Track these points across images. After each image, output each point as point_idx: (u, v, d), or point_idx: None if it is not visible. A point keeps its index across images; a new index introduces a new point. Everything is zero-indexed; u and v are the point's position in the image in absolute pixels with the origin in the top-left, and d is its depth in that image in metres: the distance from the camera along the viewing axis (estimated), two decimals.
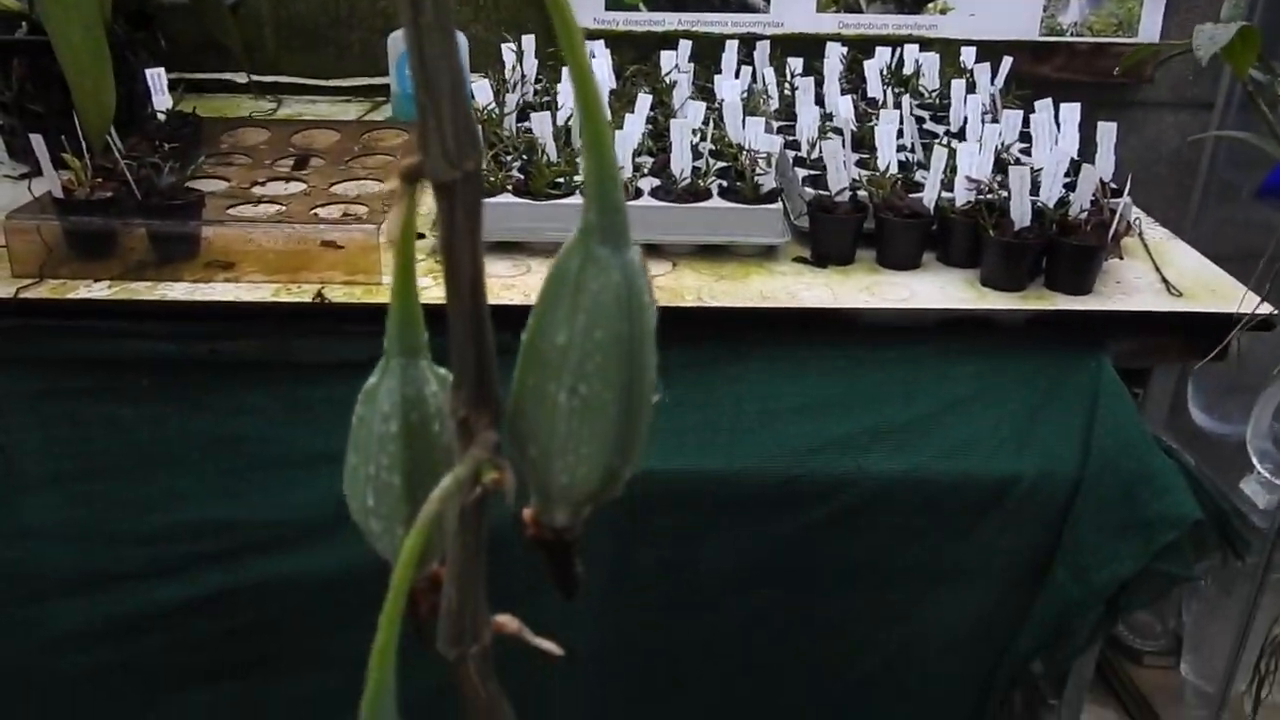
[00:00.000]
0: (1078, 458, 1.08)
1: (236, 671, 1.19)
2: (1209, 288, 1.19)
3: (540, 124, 1.24)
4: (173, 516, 1.13)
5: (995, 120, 1.36)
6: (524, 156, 1.25)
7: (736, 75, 1.48)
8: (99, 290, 1.11)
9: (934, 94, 1.56)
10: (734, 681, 1.19)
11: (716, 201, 1.20)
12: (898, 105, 1.38)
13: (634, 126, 1.24)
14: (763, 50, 1.60)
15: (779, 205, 1.21)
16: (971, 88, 1.46)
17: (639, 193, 1.19)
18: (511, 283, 1.14)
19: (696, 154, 1.23)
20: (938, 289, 1.16)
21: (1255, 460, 1.88)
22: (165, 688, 1.20)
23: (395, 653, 0.26)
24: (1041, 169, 1.21)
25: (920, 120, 1.46)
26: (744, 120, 1.26)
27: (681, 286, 1.15)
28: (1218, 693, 2.03)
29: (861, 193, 1.22)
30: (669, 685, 1.19)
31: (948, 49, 1.64)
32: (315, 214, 1.22)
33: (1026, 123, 1.34)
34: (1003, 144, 1.29)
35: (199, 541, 1.13)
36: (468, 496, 0.26)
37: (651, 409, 0.28)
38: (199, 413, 1.12)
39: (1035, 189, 1.17)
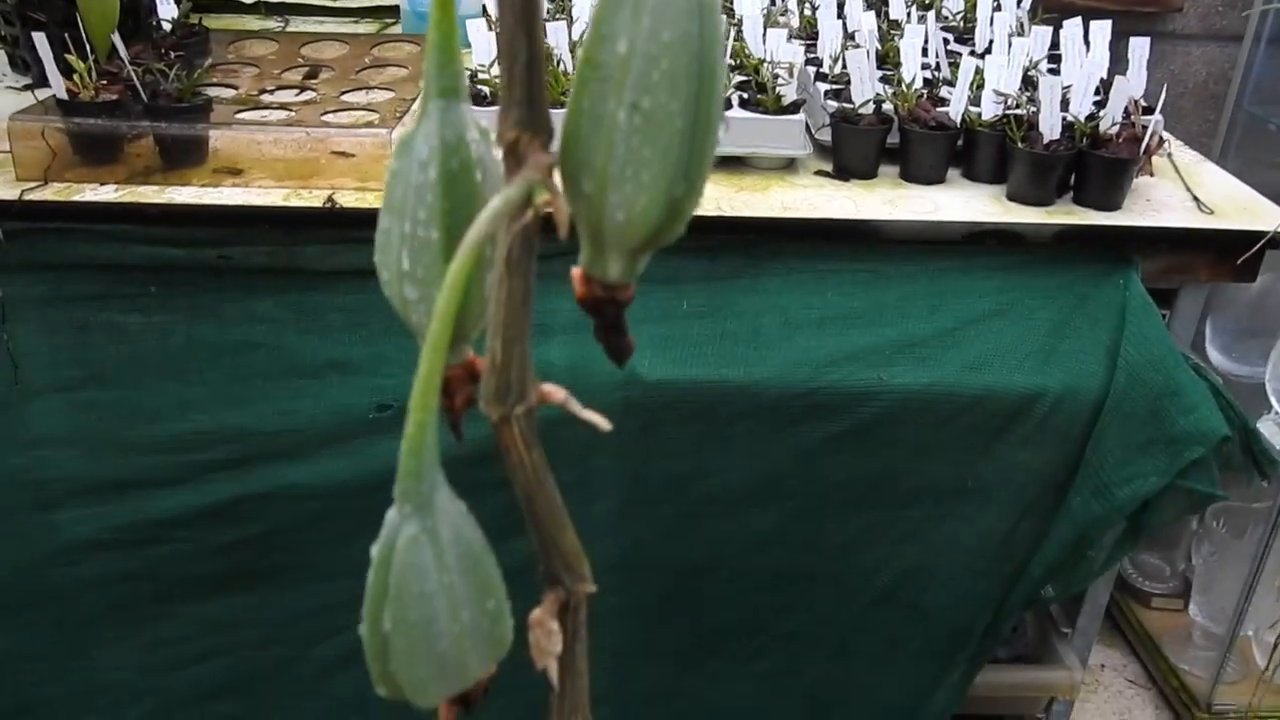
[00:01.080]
0: (1104, 373, 1.06)
1: (246, 582, 1.18)
2: (1241, 206, 1.16)
3: (555, 34, 1.20)
4: (181, 425, 1.11)
5: (1023, 36, 1.32)
6: None
7: None
8: (105, 193, 1.09)
9: (958, 16, 1.52)
10: (747, 599, 1.18)
11: (737, 112, 1.17)
12: (922, 22, 1.35)
13: None
14: None
15: (801, 116, 1.18)
16: (998, 7, 1.42)
17: None
18: None
19: None
20: (963, 203, 1.14)
21: (1274, 401, 1.86)
22: (176, 598, 1.19)
23: (439, 384, 0.24)
24: (1070, 85, 1.17)
25: (945, 42, 1.42)
26: (764, 33, 1.23)
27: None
28: (1226, 633, 2.02)
29: (886, 105, 1.19)
30: (682, 602, 1.18)
31: None
32: (325, 120, 1.19)
33: (1055, 44, 1.31)
34: (1031, 60, 1.26)
35: (207, 450, 1.11)
36: (518, 221, 0.23)
37: (719, 127, 0.26)
38: (207, 321, 1.10)
39: (1065, 105, 1.14)
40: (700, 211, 0.97)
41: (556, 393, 0.27)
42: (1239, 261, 1.09)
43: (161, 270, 1.09)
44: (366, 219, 1.09)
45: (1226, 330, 2.06)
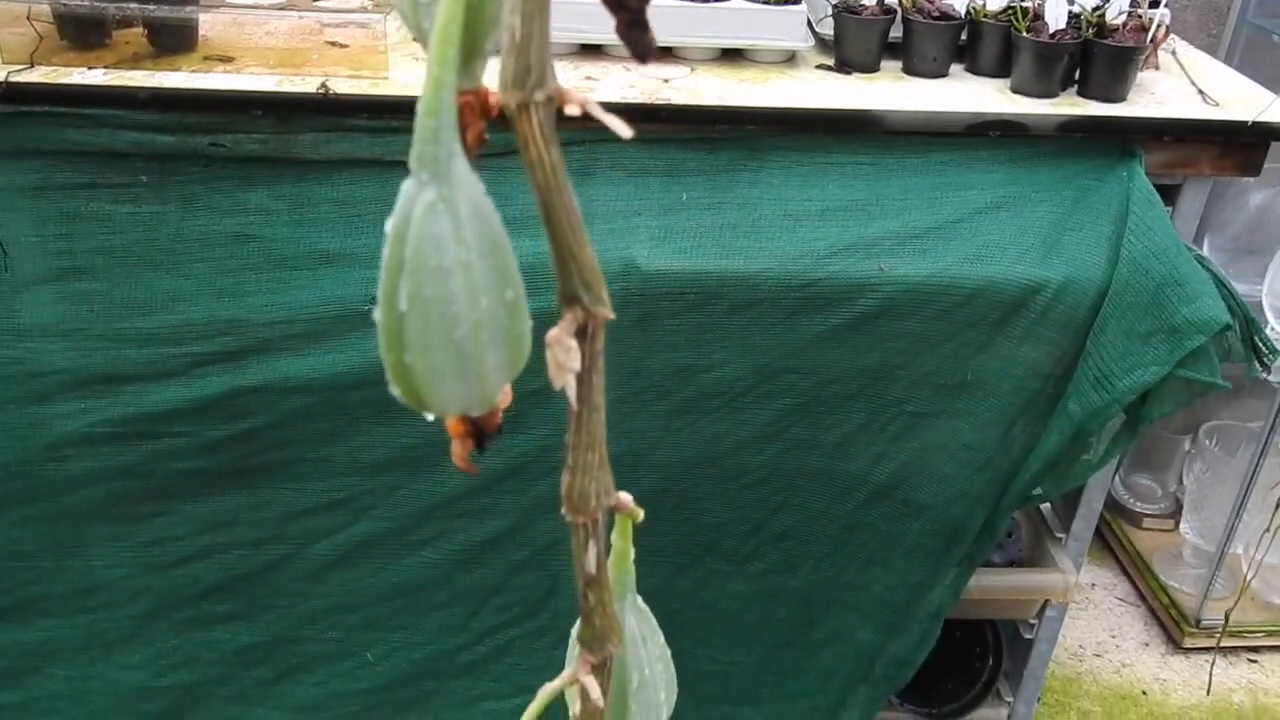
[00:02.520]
0: (1106, 265, 1.05)
1: (241, 480, 1.17)
2: (1247, 99, 1.15)
3: None
4: (172, 317, 1.10)
5: None
6: None
7: None
8: (94, 76, 1.06)
9: None
10: (743, 497, 1.18)
11: (737, 3, 1.15)
12: None
13: None
14: None
15: (802, 7, 1.16)
16: None
17: None
18: None
19: None
20: (966, 96, 1.12)
21: (1270, 318, 1.86)
22: (170, 496, 1.18)
23: (458, 36, 0.22)
24: None
25: None
26: None
27: (700, 88, 1.10)
28: (1216, 550, 2.04)
29: None
30: (678, 500, 1.18)
31: None
32: (318, 5, 1.16)
33: None
34: None
35: (199, 343, 1.10)
36: None
37: None
38: (198, 211, 1.09)
39: None
40: (700, 101, 0.96)
41: (575, 95, 0.25)
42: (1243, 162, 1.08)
43: (152, 159, 1.07)
44: (361, 106, 1.08)
45: (1224, 248, 2.06)
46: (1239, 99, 1.15)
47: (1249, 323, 1.05)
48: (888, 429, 1.13)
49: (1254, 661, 2.12)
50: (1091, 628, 2.21)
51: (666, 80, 1.12)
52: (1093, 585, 2.30)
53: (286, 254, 1.09)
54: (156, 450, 1.16)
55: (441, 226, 0.25)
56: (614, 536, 0.40)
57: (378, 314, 0.26)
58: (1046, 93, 1.11)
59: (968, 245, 1.06)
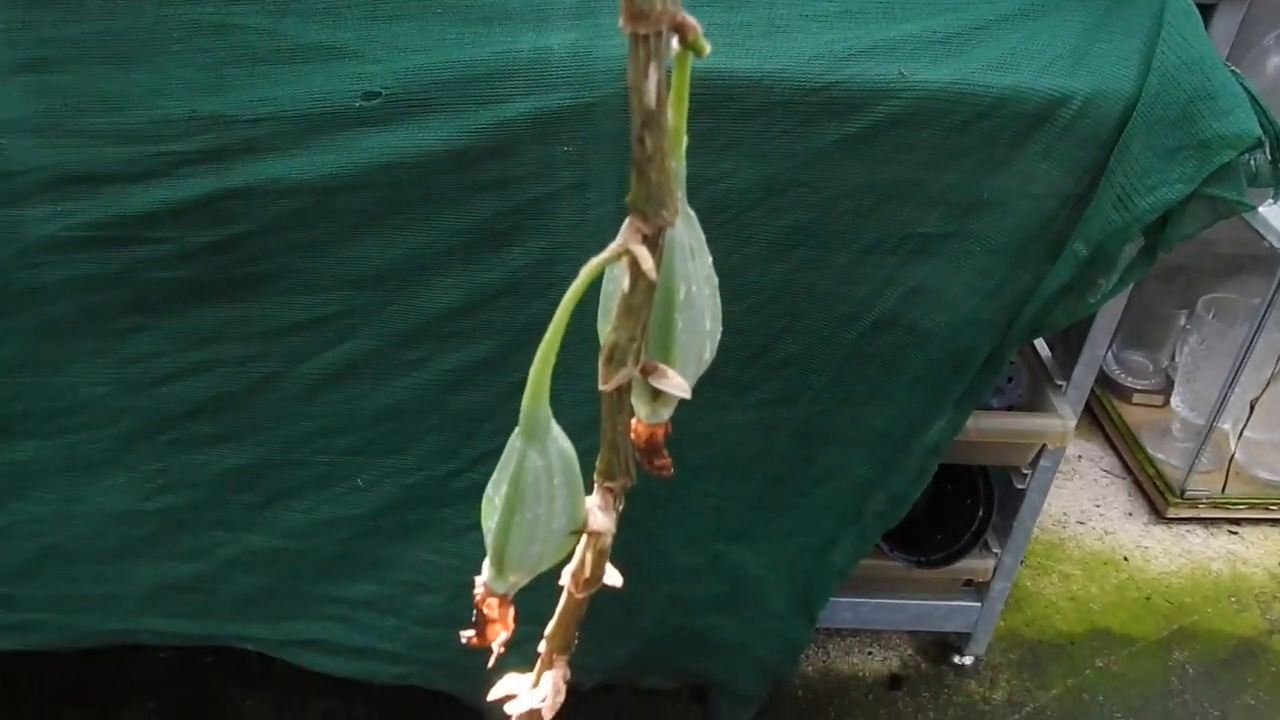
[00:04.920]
0: (1135, 78, 1.01)
1: (226, 291, 1.13)
2: None
3: None
4: (152, 112, 1.04)
5: None
6: None
7: None
8: None
9: None
10: (746, 318, 1.14)
11: None
12: None
13: None
14: None
15: None
16: None
17: None
18: None
19: None
20: None
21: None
22: (152, 307, 1.14)
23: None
24: None
25: None
26: None
27: None
28: (1206, 423, 2.04)
29: None
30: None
31: None
32: None
33: None
34: None
35: (180, 140, 1.05)
36: None
37: None
38: None
39: None
40: None
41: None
42: None
43: None
44: None
45: None
46: None
47: (1278, 143, 1.01)
48: (898, 250, 1.10)
49: (1234, 533, 2.14)
50: (1076, 498, 2.22)
51: None
52: (1079, 457, 2.31)
53: (273, 45, 1.03)
54: (137, 258, 1.11)
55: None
56: (669, 96, 0.36)
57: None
58: None
59: (992, 51, 1.01)
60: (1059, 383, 1.42)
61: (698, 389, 1.20)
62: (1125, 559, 2.06)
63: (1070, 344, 1.40)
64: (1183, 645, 1.91)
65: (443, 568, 1.31)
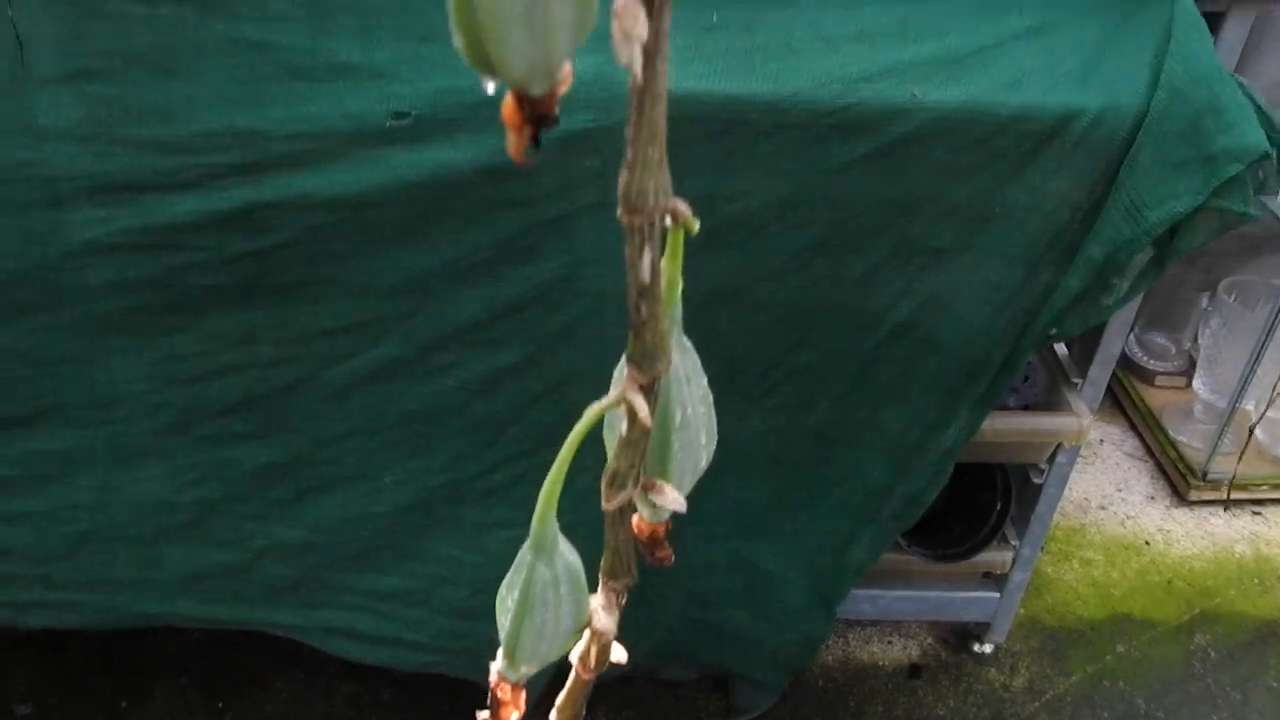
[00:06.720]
0: (1144, 92, 1.02)
1: (264, 297, 1.17)
2: None
3: None
4: (191, 125, 1.08)
5: None
6: None
7: None
8: None
9: None
10: (764, 331, 1.17)
11: None
12: None
13: None
14: None
15: None
16: None
17: None
18: None
19: None
20: None
21: None
22: (194, 309, 1.18)
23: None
24: None
25: None
26: None
27: None
28: (1228, 405, 2.04)
29: None
30: (698, 333, 1.17)
31: None
32: None
33: None
34: None
35: (220, 153, 1.09)
36: None
37: None
38: (218, 15, 1.05)
39: None
40: None
41: None
42: None
43: None
44: None
45: None
46: None
47: None
48: (912, 263, 1.12)
49: (1258, 514, 2.15)
50: (1098, 482, 2.23)
51: None
52: (1101, 441, 2.32)
53: (307, 64, 1.06)
54: (175, 263, 1.15)
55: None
56: (664, 261, 0.39)
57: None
58: None
59: (1004, 70, 1.02)
60: (1075, 380, 1.44)
61: (717, 397, 1.23)
62: (1147, 543, 2.08)
63: (1086, 342, 1.42)
64: (1204, 629, 1.93)
65: (466, 563, 1.36)
